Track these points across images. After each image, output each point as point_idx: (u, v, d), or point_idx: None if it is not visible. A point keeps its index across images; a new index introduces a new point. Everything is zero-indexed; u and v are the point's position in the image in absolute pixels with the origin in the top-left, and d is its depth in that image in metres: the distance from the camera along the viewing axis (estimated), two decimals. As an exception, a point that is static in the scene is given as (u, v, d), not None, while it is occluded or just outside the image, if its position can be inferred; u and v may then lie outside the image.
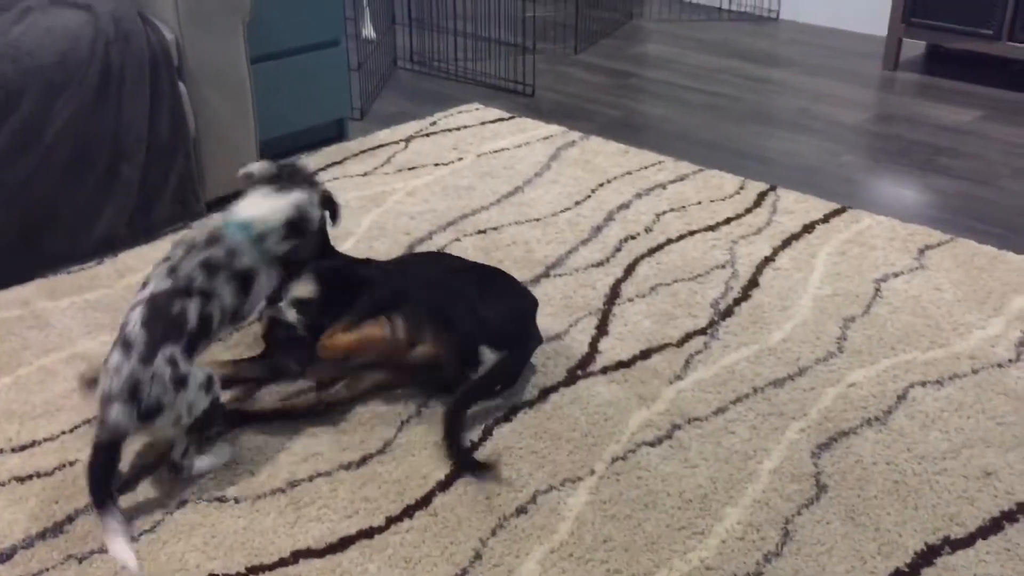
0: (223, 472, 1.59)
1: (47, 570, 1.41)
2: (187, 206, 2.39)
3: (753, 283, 2.15)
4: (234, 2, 2.36)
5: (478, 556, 1.43)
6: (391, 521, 1.50)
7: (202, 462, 1.58)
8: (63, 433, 1.69)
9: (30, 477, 1.59)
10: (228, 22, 2.37)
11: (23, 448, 1.65)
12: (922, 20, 3.45)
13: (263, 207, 1.64)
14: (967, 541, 1.46)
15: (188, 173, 2.37)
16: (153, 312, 1.49)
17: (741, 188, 2.61)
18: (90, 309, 2.05)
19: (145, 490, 1.55)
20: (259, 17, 2.47)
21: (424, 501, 1.54)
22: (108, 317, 2.02)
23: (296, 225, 1.66)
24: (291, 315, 1.81)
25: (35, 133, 2.11)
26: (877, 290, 2.11)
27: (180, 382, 1.46)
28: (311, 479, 1.58)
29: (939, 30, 3.43)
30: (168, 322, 1.48)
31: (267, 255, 1.64)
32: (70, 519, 1.50)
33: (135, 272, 2.19)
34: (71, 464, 1.61)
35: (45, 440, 1.67)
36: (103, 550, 1.43)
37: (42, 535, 1.47)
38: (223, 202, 2.45)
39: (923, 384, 1.81)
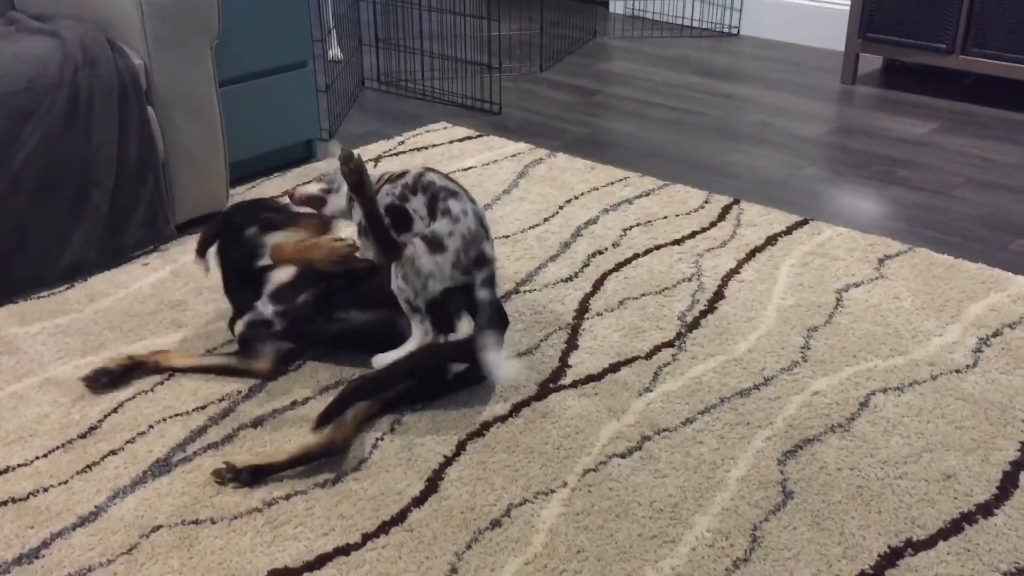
0: (198, 493, 1.60)
1: (23, 596, 1.42)
2: (156, 229, 2.40)
3: (719, 295, 2.19)
4: (201, 26, 2.38)
5: (454, 570, 1.45)
6: (367, 538, 1.52)
7: None
8: (36, 459, 1.69)
9: (4, 503, 1.59)
10: (196, 46, 2.39)
11: (-4, 474, 1.66)
12: (878, 35, 3.53)
13: None
14: (929, 543, 1.50)
15: (158, 196, 2.38)
16: None
17: (706, 202, 2.66)
18: (61, 334, 2.05)
19: (120, 514, 1.56)
20: (227, 40, 2.49)
21: (399, 517, 1.56)
22: (79, 342, 2.02)
23: None
24: (268, 310, 1.87)
25: (3, 159, 2.11)
26: (839, 300, 2.17)
27: None
28: (287, 497, 1.60)
29: (895, 45, 3.52)
30: None
31: None
32: (45, 544, 1.50)
33: (105, 296, 2.20)
34: (45, 490, 1.61)
35: (19, 466, 1.67)
36: (79, 575, 1.44)
37: (17, 560, 1.47)
38: (193, 224, 2.48)
39: (884, 391, 1.86)
